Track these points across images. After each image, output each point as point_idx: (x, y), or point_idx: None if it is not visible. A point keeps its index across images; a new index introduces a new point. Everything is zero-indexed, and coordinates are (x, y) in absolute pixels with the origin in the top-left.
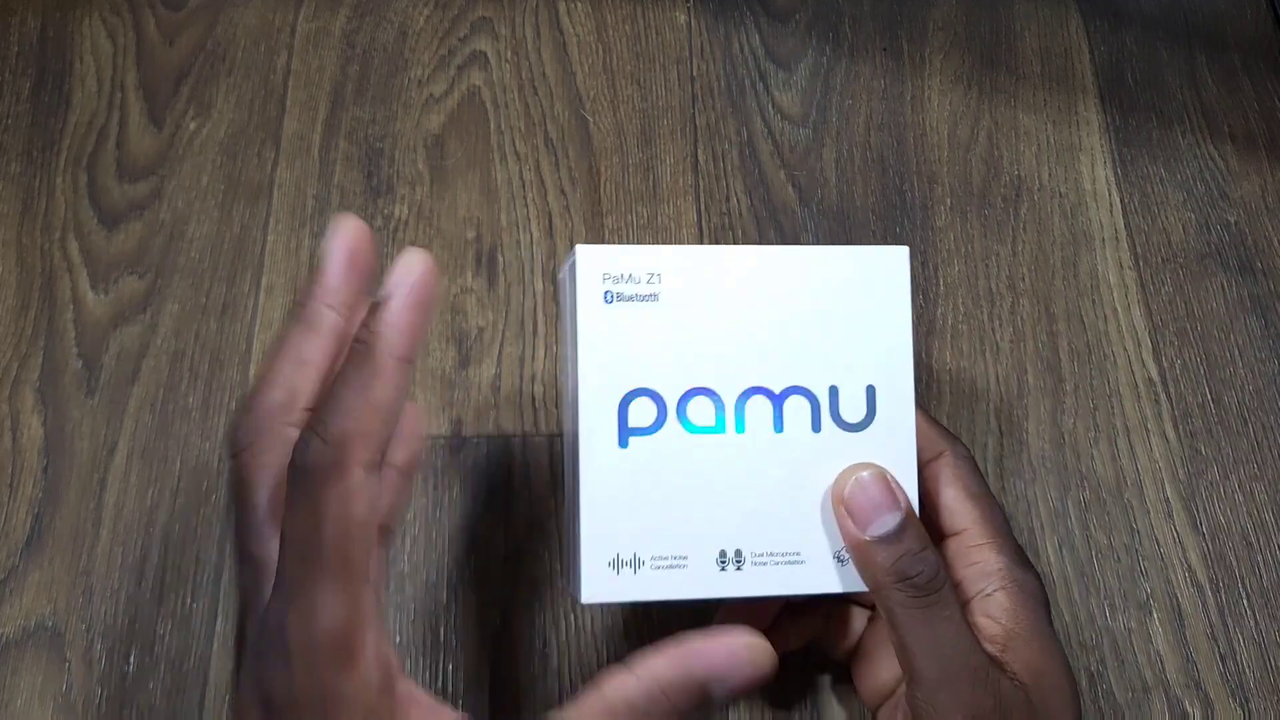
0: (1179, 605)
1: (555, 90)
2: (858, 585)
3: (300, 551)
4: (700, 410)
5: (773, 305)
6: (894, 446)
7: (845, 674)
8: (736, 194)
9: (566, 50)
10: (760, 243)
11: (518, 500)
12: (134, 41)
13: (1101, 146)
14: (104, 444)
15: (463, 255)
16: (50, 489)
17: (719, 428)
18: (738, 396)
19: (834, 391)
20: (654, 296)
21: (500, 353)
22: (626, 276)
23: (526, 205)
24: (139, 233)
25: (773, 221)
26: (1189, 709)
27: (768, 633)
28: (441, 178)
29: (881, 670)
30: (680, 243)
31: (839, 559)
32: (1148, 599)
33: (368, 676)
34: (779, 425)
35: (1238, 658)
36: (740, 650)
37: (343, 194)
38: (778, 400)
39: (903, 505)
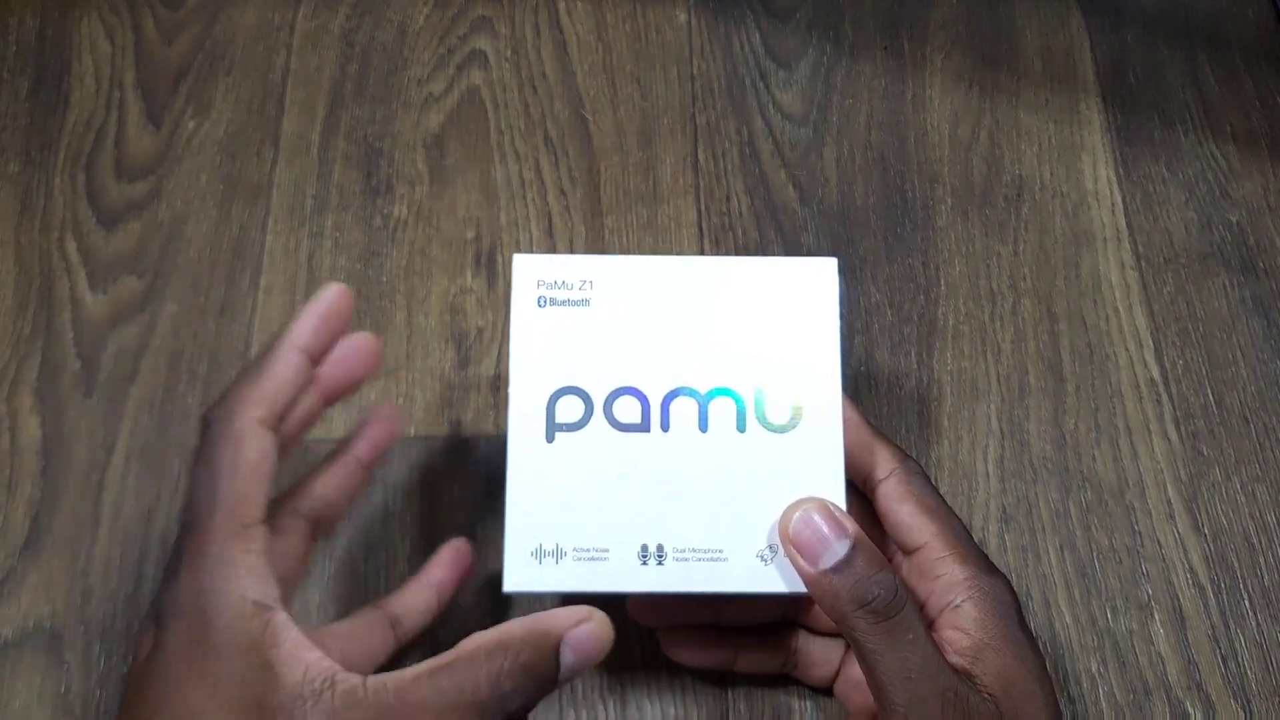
0: (1180, 607)
1: (555, 89)
2: (779, 586)
3: (202, 489)
4: (626, 409)
5: (702, 312)
6: (820, 448)
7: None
8: (737, 194)
9: (566, 49)
10: (761, 243)
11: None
12: (132, 41)
13: (1103, 145)
14: (102, 444)
15: (462, 255)
16: (48, 490)
17: (644, 426)
18: (663, 397)
19: (760, 394)
20: (585, 302)
21: (500, 352)
22: (560, 283)
23: (526, 205)
24: (137, 233)
25: (773, 221)
26: (1190, 710)
27: (736, 657)
28: (441, 177)
29: (866, 692)
30: (680, 243)
31: (761, 559)
32: (1149, 600)
33: (244, 596)
34: (704, 425)
35: (1239, 659)
36: (586, 622)
37: (342, 194)
38: (703, 401)
39: (850, 532)
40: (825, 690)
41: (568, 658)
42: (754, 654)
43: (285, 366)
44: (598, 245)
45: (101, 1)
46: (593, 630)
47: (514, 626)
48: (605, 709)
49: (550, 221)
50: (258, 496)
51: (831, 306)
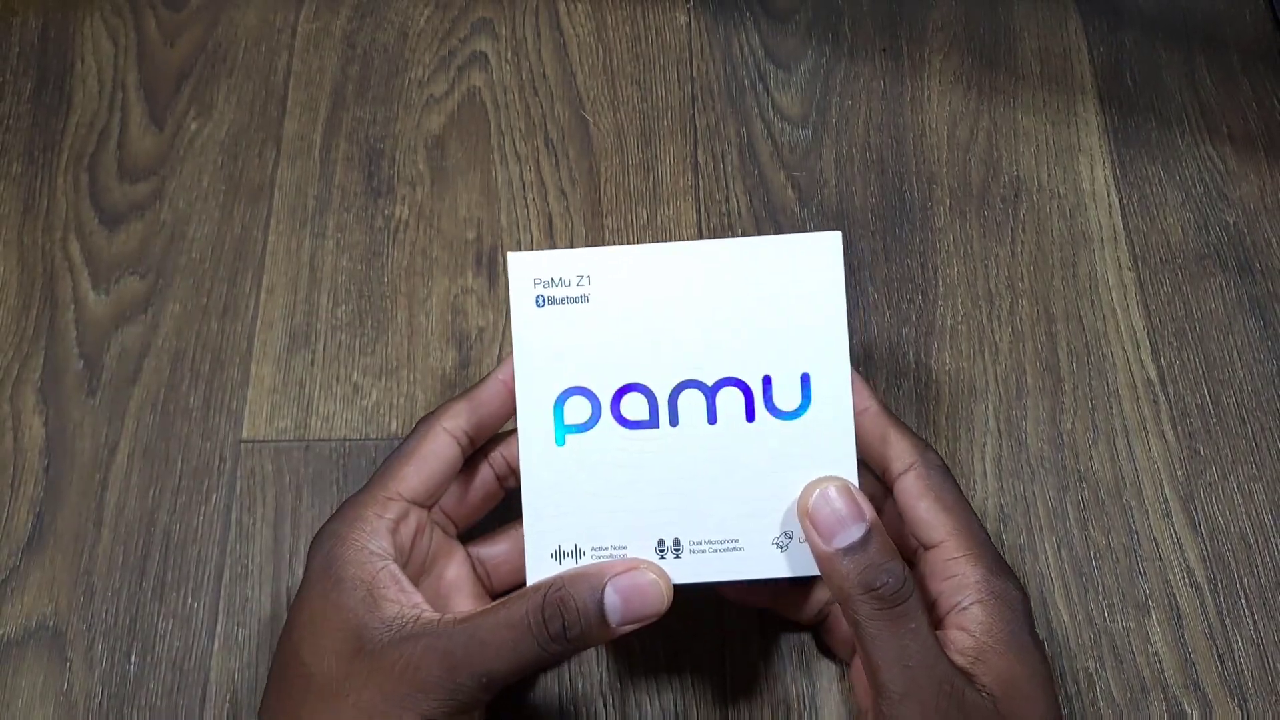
0: (1177, 605)
1: (555, 91)
2: (796, 570)
3: (381, 463)
4: (634, 406)
5: (704, 298)
6: (830, 433)
7: (844, 670)
8: (736, 195)
9: (567, 51)
10: None
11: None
12: (135, 42)
13: (1100, 147)
14: (105, 444)
15: (463, 255)
16: (51, 489)
17: (653, 423)
18: (670, 391)
19: (767, 381)
20: (584, 298)
21: (500, 353)
22: (557, 280)
23: (527, 206)
24: (140, 233)
25: (772, 222)
26: (1187, 709)
27: (775, 600)
28: (442, 178)
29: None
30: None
31: (777, 545)
32: (1146, 599)
33: (366, 546)
34: (712, 417)
35: (1236, 658)
36: (633, 570)
37: (343, 194)
38: (710, 393)
39: (867, 516)
40: (844, 662)
41: (611, 598)
42: (789, 600)
43: (487, 394)
44: (598, 245)
45: (104, 3)
46: (637, 578)
47: (569, 570)
48: (605, 707)
49: (551, 222)
50: (412, 480)
51: (837, 282)
